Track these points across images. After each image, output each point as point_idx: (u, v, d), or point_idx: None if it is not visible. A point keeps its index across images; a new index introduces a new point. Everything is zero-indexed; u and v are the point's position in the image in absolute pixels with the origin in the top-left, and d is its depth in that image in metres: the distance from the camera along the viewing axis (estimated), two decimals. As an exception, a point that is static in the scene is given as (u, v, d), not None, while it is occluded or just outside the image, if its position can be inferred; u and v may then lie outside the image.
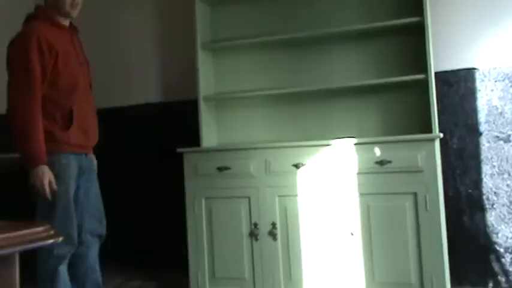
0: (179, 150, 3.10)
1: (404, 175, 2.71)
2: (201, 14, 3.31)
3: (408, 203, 2.69)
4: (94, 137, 2.57)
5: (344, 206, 2.80)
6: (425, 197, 2.66)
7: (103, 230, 2.60)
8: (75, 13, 2.48)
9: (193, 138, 3.21)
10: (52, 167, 2.32)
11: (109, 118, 3.35)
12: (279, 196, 2.92)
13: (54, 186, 2.31)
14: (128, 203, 3.60)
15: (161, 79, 3.68)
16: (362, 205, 2.77)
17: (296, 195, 2.89)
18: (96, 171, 2.64)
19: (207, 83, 3.32)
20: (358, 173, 2.78)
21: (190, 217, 3.08)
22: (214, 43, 3.37)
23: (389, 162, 2.72)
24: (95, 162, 2.66)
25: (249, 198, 2.97)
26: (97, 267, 2.59)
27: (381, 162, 2.73)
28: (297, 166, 2.88)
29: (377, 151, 2.76)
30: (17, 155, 2.36)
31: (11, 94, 2.34)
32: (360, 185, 2.78)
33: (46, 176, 2.28)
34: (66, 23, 2.50)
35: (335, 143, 2.84)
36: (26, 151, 2.28)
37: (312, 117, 3.22)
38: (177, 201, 3.18)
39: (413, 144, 2.71)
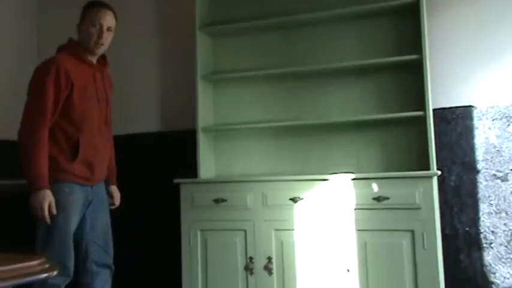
0: (176, 181, 3.09)
1: (401, 212, 2.70)
2: (202, 45, 3.34)
3: (405, 241, 2.68)
4: (100, 172, 2.58)
5: (341, 241, 2.78)
6: (422, 234, 2.65)
7: (109, 260, 2.61)
8: (99, 51, 2.57)
9: (191, 168, 3.21)
10: (55, 195, 2.35)
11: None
12: (275, 230, 2.90)
13: (54, 211, 2.33)
14: (122, 232, 3.56)
15: (161, 109, 3.69)
16: (359, 241, 2.75)
17: (292, 230, 2.87)
18: (107, 203, 2.66)
19: (206, 113, 3.33)
20: (356, 209, 2.77)
21: (185, 249, 3.05)
22: (215, 74, 3.40)
23: (387, 198, 2.71)
24: (116, 194, 2.74)
25: (245, 231, 2.95)
26: None
27: (378, 198, 2.73)
28: (294, 200, 2.87)
29: (375, 187, 2.76)
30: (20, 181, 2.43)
31: (23, 117, 2.42)
32: (357, 220, 2.76)
33: (46, 200, 2.31)
34: (92, 58, 2.58)
35: (333, 177, 2.83)
36: (29, 174, 2.33)
37: (311, 151, 3.22)
38: (172, 232, 3.15)
39: (411, 181, 2.71)
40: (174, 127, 3.59)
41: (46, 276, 1.27)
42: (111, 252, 2.63)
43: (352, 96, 3.17)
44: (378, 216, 2.73)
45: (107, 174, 2.69)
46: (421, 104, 2.86)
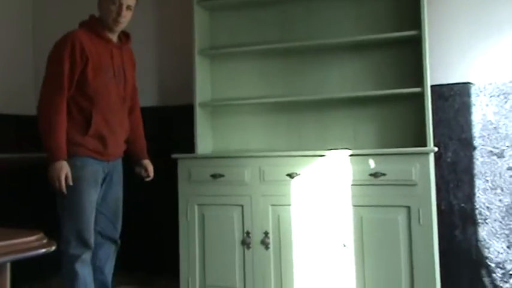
0: (174, 156, 3.09)
1: (398, 188, 2.71)
2: (200, 19, 3.31)
3: (401, 216, 2.70)
4: (115, 148, 2.60)
5: (337, 217, 2.80)
6: (418, 210, 2.67)
7: (115, 234, 2.67)
8: (118, 28, 2.59)
9: (188, 143, 3.21)
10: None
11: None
12: (272, 205, 2.92)
13: (70, 182, 2.39)
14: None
15: (158, 83, 3.66)
16: (355, 217, 2.77)
17: (289, 205, 2.89)
18: (122, 178, 2.69)
19: (203, 89, 3.32)
20: (352, 185, 2.78)
21: (183, 223, 3.07)
22: (212, 49, 3.37)
23: (384, 174, 2.72)
24: (150, 167, 2.77)
25: (242, 206, 2.97)
26: (107, 269, 2.65)
27: (375, 174, 2.74)
28: (291, 176, 2.88)
29: (371, 163, 2.76)
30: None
31: (41, 91, 2.48)
32: (353, 196, 2.78)
33: (63, 171, 2.37)
34: (111, 35, 2.60)
35: (330, 153, 2.84)
36: (47, 145, 2.40)
37: (308, 127, 3.22)
38: (170, 207, 3.17)
39: (408, 157, 2.72)
40: (171, 102, 3.58)
41: (44, 252, 1.27)
42: (119, 227, 2.68)
43: (350, 72, 3.16)
44: (375, 192, 2.74)
45: (137, 149, 2.76)
46: (419, 81, 2.85)
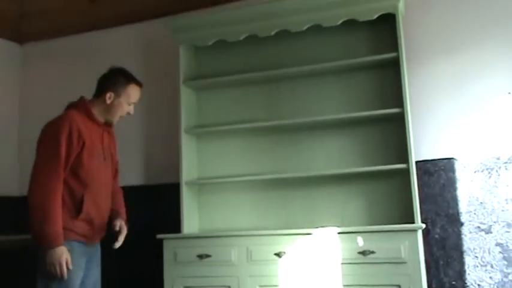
0: (159, 236, 3.04)
1: (387, 266, 2.67)
2: (186, 98, 3.37)
3: (392, 296, 2.64)
4: (100, 231, 2.59)
5: (327, 297, 2.73)
6: (409, 289, 2.62)
7: None
8: (116, 121, 2.68)
9: (174, 223, 3.16)
10: None
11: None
12: (260, 286, 2.86)
13: (70, 266, 2.35)
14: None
15: (144, 162, 3.66)
16: (346, 297, 2.71)
17: (277, 286, 2.82)
18: (100, 260, 2.65)
19: (189, 167, 3.32)
20: (342, 263, 2.74)
21: (169, 306, 2.97)
22: (199, 128, 3.41)
23: (373, 252, 2.69)
24: (124, 230, 2.63)
25: (229, 287, 2.89)
26: None
27: (363, 253, 2.70)
28: (279, 255, 2.83)
29: (360, 241, 2.74)
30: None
31: (36, 174, 2.41)
32: (343, 275, 2.73)
33: (64, 257, 2.33)
34: (102, 119, 2.63)
35: (318, 231, 2.81)
36: (44, 232, 2.31)
37: (295, 205, 3.21)
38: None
39: (396, 235, 2.70)
40: (158, 180, 3.56)
41: None
42: None
43: (336, 149, 3.20)
44: (364, 270, 2.70)
45: (114, 208, 2.68)
46: (404, 157, 2.88)
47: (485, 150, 3.01)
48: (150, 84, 3.71)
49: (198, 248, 2.97)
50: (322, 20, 3.10)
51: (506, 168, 2.94)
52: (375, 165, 3.03)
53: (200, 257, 2.95)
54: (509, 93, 3.01)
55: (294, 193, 3.22)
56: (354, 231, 2.78)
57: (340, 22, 3.07)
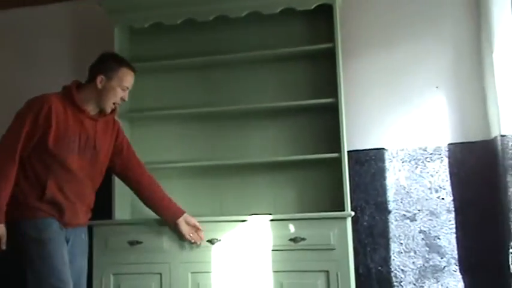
0: (89, 223, 2.96)
1: (317, 253, 2.73)
2: (120, 82, 3.28)
3: (320, 281, 2.71)
4: (72, 217, 2.51)
5: (258, 283, 2.76)
6: (337, 275, 2.69)
7: None
8: (110, 109, 2.62)
9: (105, 209, 3.09)
10: (30, 233, 2.36)
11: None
12: (191, 272, 2.84)
13: (4, 246, 2.33)
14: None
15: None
16: (276, 283, 2.75)
17: (210, 272, 2.82)
18: (86, 247, 2.64)
19: (122, 152, 3.24)
20: (273, 250, 2.77)
21: (97, 294, 2.91)
22: (132, 112, 3.33)
23: (304, 239, 2.74)
24: (197, 223, 2.76)
25: (160, 274, 2.86)
26: None
27: (295, 239, 2.75)
28: (211, 242, 2.84)
29: (291, 228, 2.78)
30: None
31: None
32: (274, 262, 2.77)
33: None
34: (91, 108, 2.55)
35: (250, 218, 2.83)
36: None
37: (229, 192, 3.22)
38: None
39: (326, 222, 2.76)
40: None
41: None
42: None
43: (270, 137, 3.22)
44: (294, 257, 2.75)
45: (163, 209, 2.76)
46: (337, 146, 2.95)
47: (413, 141, 3.13)
48: (82, 66, 3.59)
49: (129, 234, 2.91)
50: (261, 7, 3.09)
51: (431, 159, 3.08)
52: (308, 153, 3.08)
53: (131, 243, 2.90)
54: (436, 87, 3.14)
55: (228, 180, 3.23)
56: (285, 218, 2.82)
57: (279, 10, 3.08)
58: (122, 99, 2.61)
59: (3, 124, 2.53)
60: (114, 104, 2.61)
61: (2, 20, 3.84)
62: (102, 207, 3.11)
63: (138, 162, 2.83)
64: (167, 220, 2.78)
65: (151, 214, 3.03)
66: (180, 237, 2.80)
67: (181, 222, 2.76)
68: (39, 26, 3.74)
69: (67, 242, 2.49)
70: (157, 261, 2.87)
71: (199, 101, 3.29)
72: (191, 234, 2.78)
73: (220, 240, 2.83)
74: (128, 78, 2.61)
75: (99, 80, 2.53)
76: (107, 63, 2.57)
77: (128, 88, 2.62)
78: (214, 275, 2.81)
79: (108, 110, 2.61)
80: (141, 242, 2.90)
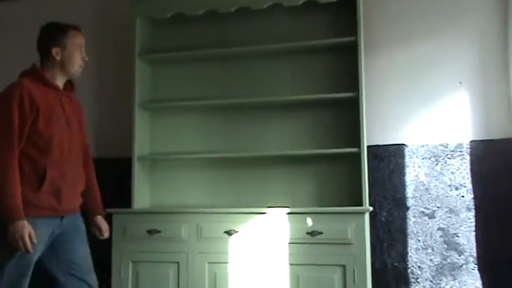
0: (108, 210, 3.00)
1: (334, 247, 2.74)
2: (141, 72, 3.30)
3: (337, 275, 2.72)
4: (70, 202, 2.46)
5: (274, 275, 2.78)
6: (353, 269, 2.70)
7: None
8: (79, 73, 2.56)
9: (125, 197, 3.13)
10: None
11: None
12: (208, 263, 2.87)
13: (35, 240, 2.26)
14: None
15: (95, 134, 3.58)
16: (292, 275, 2.77)
17: (227, 263, 2.85)
18: (84, 232, 2.55)
19: (142, 142, 3.28)
20: (290, 243, 2.79)
21: (116, 281, 2.96)
22: (153, 103, 3.36)
23: (321, 233, 2.75)
24: (104, 225, 2.62)
25: (178, 263, 2.90)
26: None
27: (312, 233, 2.76)
28: (229, 233, 2.85)
29: (309, 221, 2.79)
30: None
31: None
32: (290, 255, 2.78)
33: (26, 230, 2.23)
34: (60, 83, 2.51)
35: (268, 211, 2.84)
36: (4, 206, 2.24)
37: (247, 184, 3.23)
38: (103, 263, 3.05)
39: (344, 217, 2.76)
40: (109, 154, 3.49)
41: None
42: (94, 283, 2.51)
43: (289, 130, 3.22)
44: (311, 250, 2.76)
45: (89, 203, 2.61)
46: (356, 141, 2.93)
47: (434, 137, 3.10)
48: (104, 56, 3.63)
49: (148, 223, 2.95)
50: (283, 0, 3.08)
51: (452, 156, 3.05)
52: (327, 148, 3.07)
53: (150, 232, 2.94)
54: (460, 83, 3.10)
55: (246, 172, 3.24)
56: (303, 211, 2.83)
57: (301, 2, 3.06)
58: (83, 59, 2.55)
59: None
60: (80, 66, 2.55)
61: (24, 11, 3.88)
62: (122, 196, 3.16)
63: (88, 146, 2.77)
64: (90, 208, 2.65)
65: (170, 204, 3.06)
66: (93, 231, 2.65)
67: (100, 220, 2.66)
68: (62, 17, 3.76)
69: (58, 235, 2.44)
70: (175, 251, 2.91)
71: (219, 93, 3.30)
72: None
73: (237, 231, 2.84)
74: (79, 38, 2.55)
75: (55, 52, 2.48)
76: (53, 34, 2.52)
77: (83, 46, 2.56)
78: (231, 265, 2.84)
79: (78, 75, 2.56)
80: (159, 231, 2.93)
